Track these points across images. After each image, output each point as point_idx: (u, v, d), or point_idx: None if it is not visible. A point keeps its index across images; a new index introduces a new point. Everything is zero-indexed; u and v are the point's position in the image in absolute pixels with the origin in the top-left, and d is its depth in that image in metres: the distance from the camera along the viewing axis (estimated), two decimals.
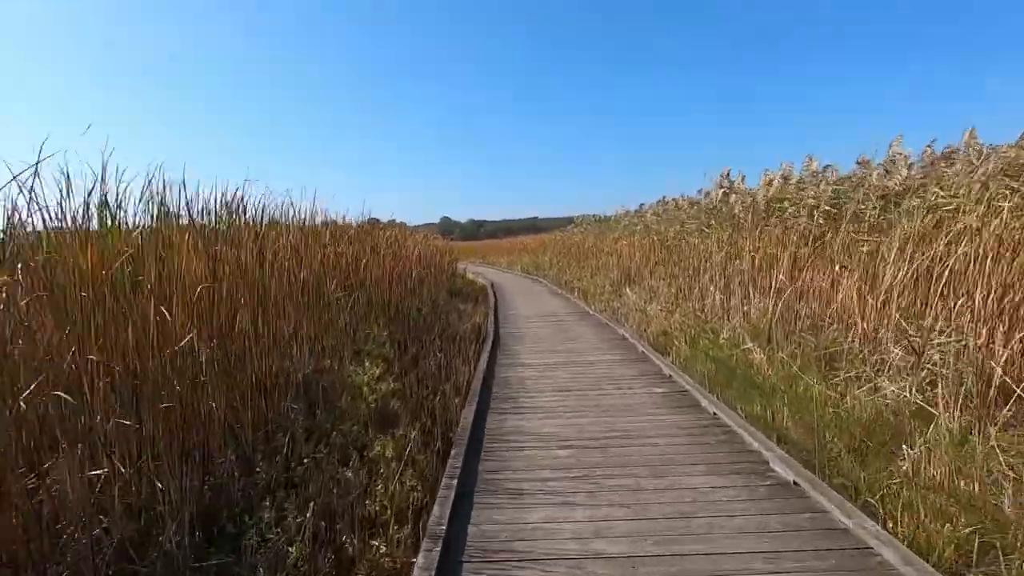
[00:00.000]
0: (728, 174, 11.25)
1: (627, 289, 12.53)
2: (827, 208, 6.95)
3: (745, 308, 7.27)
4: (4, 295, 2.42)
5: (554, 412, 4.73)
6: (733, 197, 10.83)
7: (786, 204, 8.50)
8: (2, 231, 2.81)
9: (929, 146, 6.71)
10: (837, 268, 5.33)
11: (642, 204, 16.71)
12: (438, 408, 5.12)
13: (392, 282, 7.86)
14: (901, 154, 7.75)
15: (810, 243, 6.45)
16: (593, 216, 23.61)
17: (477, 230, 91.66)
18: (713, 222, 11.29)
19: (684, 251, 11.06)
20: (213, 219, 4.21)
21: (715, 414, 4.49)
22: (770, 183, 10.21)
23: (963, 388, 3.51)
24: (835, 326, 5.30)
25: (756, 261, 7.37)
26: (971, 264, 3.99)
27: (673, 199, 13.89)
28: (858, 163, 8.56)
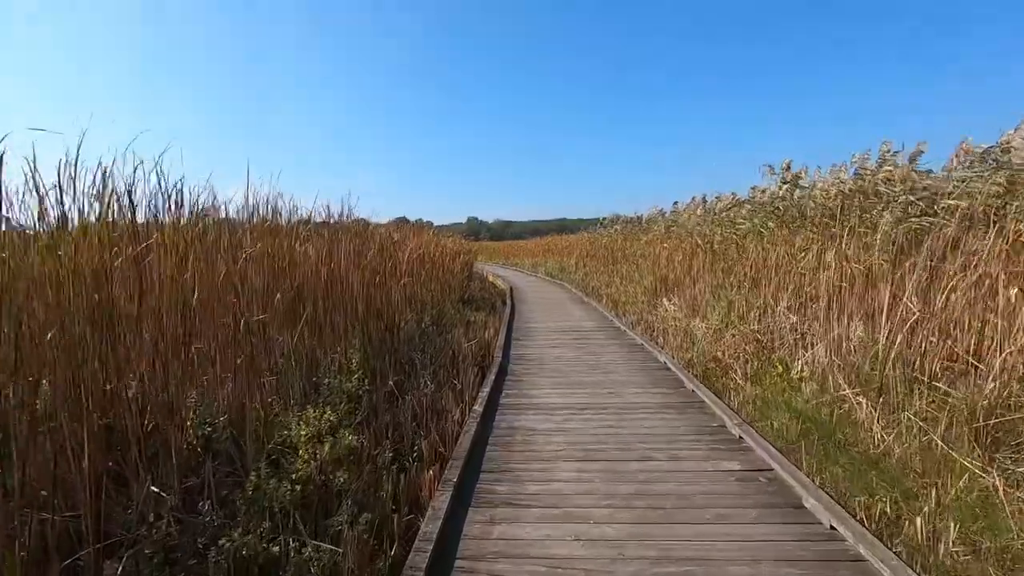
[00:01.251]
0: (789, 166, 9.40)
1: (664, 300, 10.78)
2: (953, 203, 5.12)
3: (833, 335, 5.49)
4: None
5: (572, 505, 3.07)
6: (797, 192, 8.99)
7: (860, 199, 6.72)
8: None
9: None
10: (1014, 292, 3.53)
11: (676, 202, 14.86)
12: (403, 485, 3.54)
13: (373, 291, 6.30)
14: None
15: (945, 250, 4.63)
16: (622, 216, 21.73)
17: (504, 230, 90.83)
18: (771, 223, 9.48)
19: (735, 257, 9.25)
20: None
21: (833, 528, 2.77)
22: (840, 179, 8.39)
23: None
24: (1002, 378, 3.50)
25: (849, 274, 5.56)
26: None
27: (716, 196, 12.03)
28: (1001, 146, 6.55)
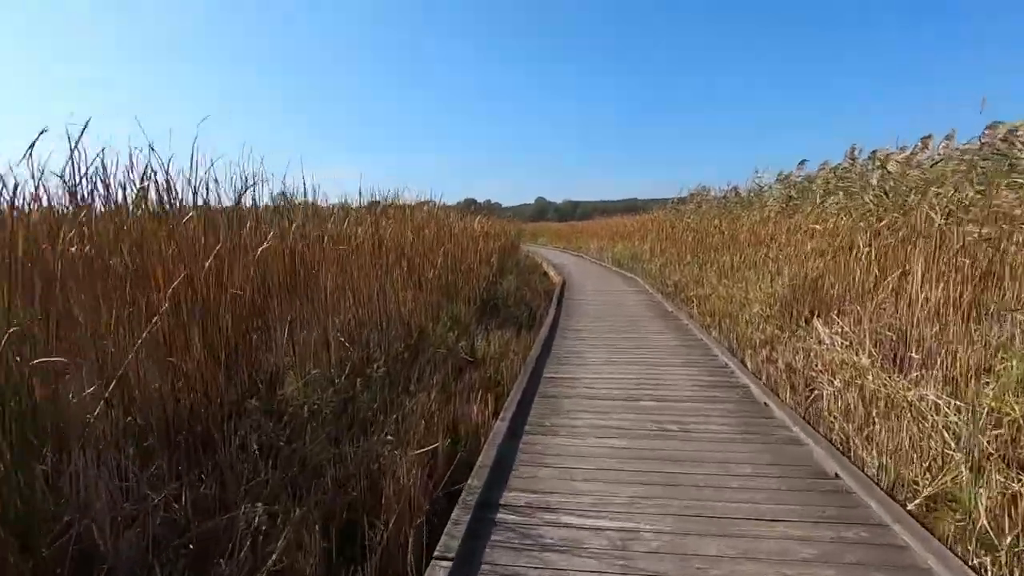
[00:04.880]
0: None
1: (818, 323, 5.99)
2: None
3: None
4: None
5: None
6: None
7: None
8: None
9: None
10: None
11: (826, 162, 9.72)
12: None
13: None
14: None
15: None
16: (711, 189, 16.78)
17: (573, 211, 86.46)
18: None
19: None
20: None
21: None
22: None
23: None
24: None
25: None
26: None
27: (920, 142, 6.90)
28: None
